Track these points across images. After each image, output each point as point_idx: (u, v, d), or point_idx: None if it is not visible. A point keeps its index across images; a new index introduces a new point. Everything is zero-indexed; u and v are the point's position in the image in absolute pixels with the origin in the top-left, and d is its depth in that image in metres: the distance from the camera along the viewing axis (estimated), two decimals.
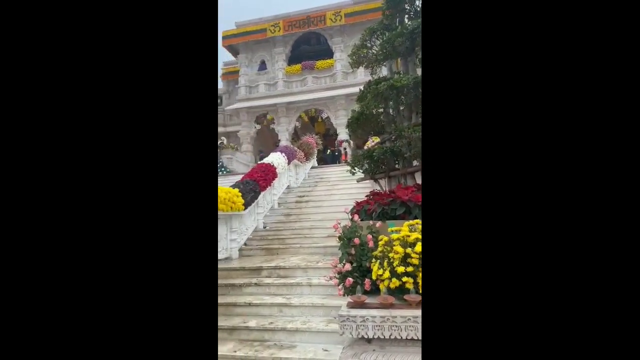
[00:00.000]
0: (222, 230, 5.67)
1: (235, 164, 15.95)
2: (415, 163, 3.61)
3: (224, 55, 20.78)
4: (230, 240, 5.86)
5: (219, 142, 15.50)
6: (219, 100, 20.78)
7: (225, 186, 6.09)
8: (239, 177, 8.01)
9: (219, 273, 4.43)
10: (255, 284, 4.62)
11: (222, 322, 3.89)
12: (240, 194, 6.04)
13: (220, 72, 20.53)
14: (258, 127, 18.53)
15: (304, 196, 8.97)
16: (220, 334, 3.62)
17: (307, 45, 19.30)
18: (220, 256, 5.55)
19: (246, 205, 6.23)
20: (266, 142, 19.25)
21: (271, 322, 3.88)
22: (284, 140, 17.07)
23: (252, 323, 3.91)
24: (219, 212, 5.40)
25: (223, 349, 3.52)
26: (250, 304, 4.24)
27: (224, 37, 18.69)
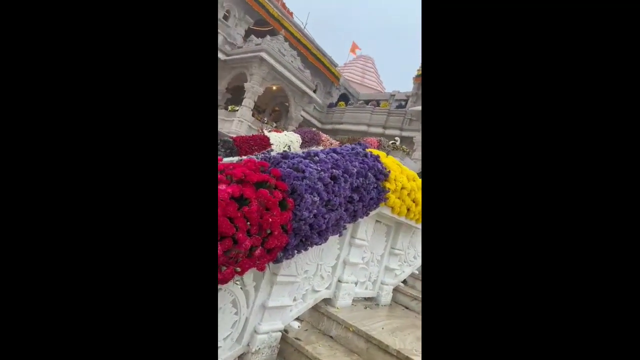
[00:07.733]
0: None
1: None
2: None
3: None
4: None
5: (390, 142, 14.07)
6: (403, 102, 19.05)
7: None
8: None
9: None
10: None
11: None
12: None
13: (414, 73, 18.80)
14: None
15: None
16: None
17: None
18: None
19: None
20: None
21: None
22: None
23: None
24: None
25: None
26: None
27: None
